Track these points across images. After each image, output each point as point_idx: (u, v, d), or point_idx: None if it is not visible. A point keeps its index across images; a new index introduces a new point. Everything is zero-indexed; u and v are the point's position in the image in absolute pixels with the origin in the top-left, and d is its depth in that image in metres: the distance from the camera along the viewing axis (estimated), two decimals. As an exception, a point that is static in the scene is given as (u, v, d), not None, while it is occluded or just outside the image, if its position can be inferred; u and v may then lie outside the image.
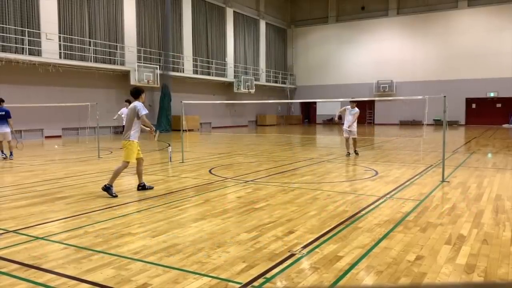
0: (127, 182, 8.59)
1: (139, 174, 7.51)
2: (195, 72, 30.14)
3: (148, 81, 25.06)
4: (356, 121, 12.82)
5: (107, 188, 6.95)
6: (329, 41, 39.40)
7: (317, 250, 4.34)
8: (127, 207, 6.32)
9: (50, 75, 20.78)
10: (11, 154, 12.46)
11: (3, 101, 12.57)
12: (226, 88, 33.17)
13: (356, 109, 12.67)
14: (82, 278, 3.64)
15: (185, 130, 12.08)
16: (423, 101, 8.86)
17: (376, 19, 37.33)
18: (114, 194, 6.93)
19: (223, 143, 19.59)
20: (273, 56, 39.93)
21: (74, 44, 22.03)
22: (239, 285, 3.49)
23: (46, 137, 21.09)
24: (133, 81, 24.29)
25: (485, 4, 33.01)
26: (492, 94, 33.15)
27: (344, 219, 5.52)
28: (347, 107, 12.85)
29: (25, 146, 15.17)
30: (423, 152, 13.44)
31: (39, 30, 20.42)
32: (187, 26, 29.48)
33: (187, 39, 29.55)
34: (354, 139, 12.94)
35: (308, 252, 4.27)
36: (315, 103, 40.18)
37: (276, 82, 39.66)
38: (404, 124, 35.43)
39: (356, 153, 12.92)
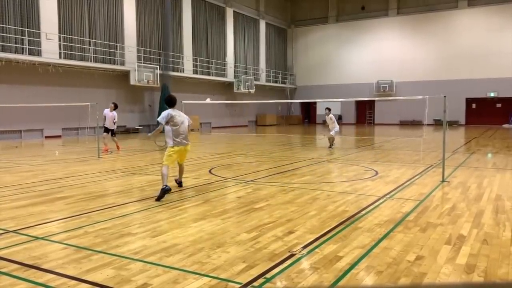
0: (127, 182, 8.60)
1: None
2: (195, 72, 30.12)
3: (148, 81, 25.06)
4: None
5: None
6: (329, 41, 39.38)
7: (317, 250, 4.34)
8: (127, 207, 6.31)
9: (50, 75, 20.77)
10: None
11: None
12: (226, 88, 33.16)
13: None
14: (82, 278, 3.64)
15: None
16: (423, 101, 8.85)
17: (376, 19, 37.30)
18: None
19: (223, 143, 19.58)
20: (273, 56, 39.90)
21: (74, 44, 22.01)
22: (239, 285, 3.49)
23: (46, 137, 21.08)
24: (133, 81, 24.31)
25: (485, 4, 32.98)
26: (492, 94, 33.13)
27: (344, 219, 5.52)
28: None
29: (25, 146, 15.16)
30: (423, 152, 13.44)
31: (39, 30, 20.41)
32: (187, 26, 29.46)
33: (187, 39, 29.53)
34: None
35: (308, 252, 4.27)
36: (315, 103, 40.16)
37: (276, 82, 39.64)
38: (404, 124, 35.42)
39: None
